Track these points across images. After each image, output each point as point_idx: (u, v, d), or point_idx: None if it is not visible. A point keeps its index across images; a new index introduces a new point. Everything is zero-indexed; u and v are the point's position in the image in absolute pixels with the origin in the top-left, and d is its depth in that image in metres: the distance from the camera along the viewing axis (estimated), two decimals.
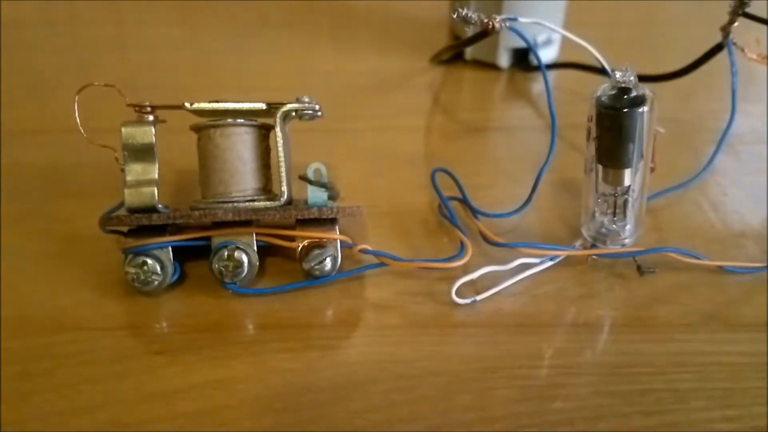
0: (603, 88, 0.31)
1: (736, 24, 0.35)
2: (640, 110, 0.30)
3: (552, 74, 0.51)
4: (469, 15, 0.33)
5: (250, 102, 0.32)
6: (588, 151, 0.33)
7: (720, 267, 0.34)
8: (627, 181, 0.32)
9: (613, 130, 0.31)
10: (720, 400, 0.28)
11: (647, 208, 0.35)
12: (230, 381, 0.28)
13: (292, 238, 0.32)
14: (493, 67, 0.52)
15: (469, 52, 0.53)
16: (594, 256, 0.34)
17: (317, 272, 0.31)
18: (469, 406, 0.27)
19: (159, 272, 0.31)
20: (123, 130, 0.31)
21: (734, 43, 0.36)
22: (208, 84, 0.50)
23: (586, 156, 0.33)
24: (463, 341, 0.30)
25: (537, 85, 0.51)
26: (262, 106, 0.32)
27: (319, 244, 0.32)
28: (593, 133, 0.32)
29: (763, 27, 0.35)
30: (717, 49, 0.37)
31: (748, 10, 0.35)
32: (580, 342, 0.30)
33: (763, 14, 0.35)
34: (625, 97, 0.31)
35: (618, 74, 0.31)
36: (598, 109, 0.31)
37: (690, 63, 0.40)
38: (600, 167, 0.32)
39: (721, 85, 0.39)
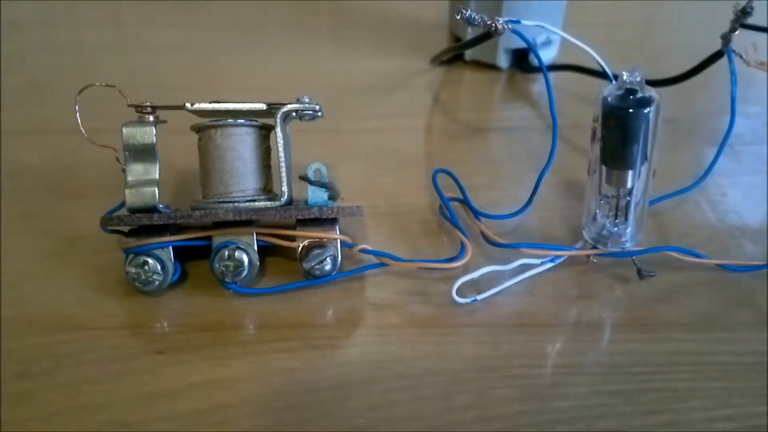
0: (609, 88, 0.31)
1: (736, 33, 0.36)
2: (646, 111, 0.30)
3: (551, 75, 0.51)
4: (472, 16, 0.33)
5: (250, 102, 0.32)
6: (592, 152, 0.32)
7: (719, 266, 0.34)
8: (630, 183, 0.32)
9: (618, 131, 0.31)
10: (719, 400, 0.28)
11: (648, 211, 0.36)
12: (231, 380, 0.28)
13: (292, 238, 0.32)
14: (493, 67, 0.53)
15: (469, 53, 0.53)
16: (594, 257, 0.34)
17: (317, 272, 0.32)
18: (469, 406, 0.27)
19: (160, 272, 0.31)
20: (124, 130, 0.31)
21: (734, 51, 0.36)
22: (209, 84, 0.50)
23: (590, 158, 0.33)
24: (463, 341, 0.30)
25: (536, 85, 0.51)
26: (263, 106, 0.32)
27: (320, 244, 0.32)
28: (598, 134, 0.32)
29: (761, 34, 0.35)
30: (717, 56, 0.37)
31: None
32: (580, 342, 0.30)
33: (762, 22, 0.35)
34: (632, 97, 0.30)
35: (625, 75, 0.31)
36: (605, 109, 0.31)
37: (689, 69, 0.40)
38: (603, 168, 0.32)
39: (720, 86, 0.39)
